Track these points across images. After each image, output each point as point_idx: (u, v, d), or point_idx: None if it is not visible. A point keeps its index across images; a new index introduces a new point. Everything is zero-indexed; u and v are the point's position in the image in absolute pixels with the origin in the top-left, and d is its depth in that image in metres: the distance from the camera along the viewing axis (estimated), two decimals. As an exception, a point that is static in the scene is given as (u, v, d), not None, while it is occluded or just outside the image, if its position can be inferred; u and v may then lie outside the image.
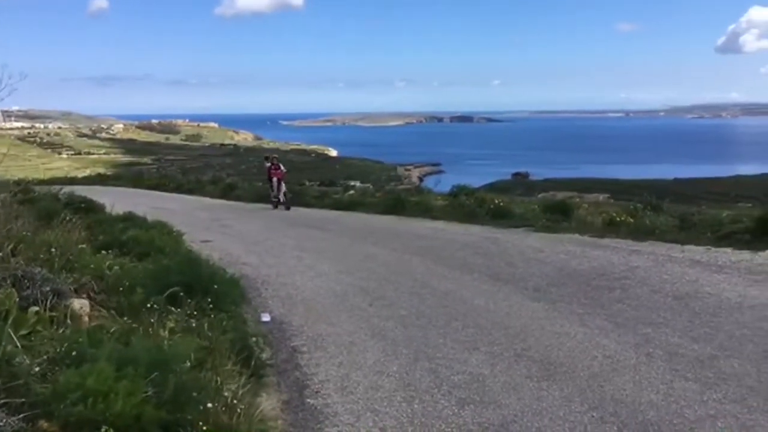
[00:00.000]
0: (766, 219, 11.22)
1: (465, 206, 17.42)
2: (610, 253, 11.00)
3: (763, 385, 5.11)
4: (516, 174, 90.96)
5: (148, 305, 5.89)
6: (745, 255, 10.26)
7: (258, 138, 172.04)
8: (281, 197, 21.46)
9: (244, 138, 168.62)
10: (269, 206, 21.98)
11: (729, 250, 10.72)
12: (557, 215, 15.59)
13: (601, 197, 54.69)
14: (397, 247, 12.55)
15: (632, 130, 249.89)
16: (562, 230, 13.87)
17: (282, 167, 22.34)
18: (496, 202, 17.17)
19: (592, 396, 5.00)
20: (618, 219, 13.95)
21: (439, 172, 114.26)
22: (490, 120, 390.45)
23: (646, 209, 14.97)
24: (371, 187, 34.66)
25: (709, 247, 11.09)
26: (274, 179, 21.71)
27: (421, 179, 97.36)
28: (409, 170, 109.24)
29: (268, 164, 22.54)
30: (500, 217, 16.12)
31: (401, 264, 10.82)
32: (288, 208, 20.83)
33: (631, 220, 13.78)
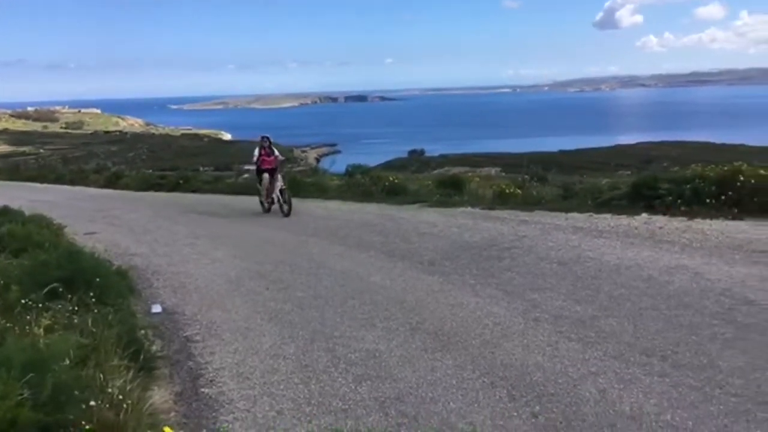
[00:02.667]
0: (640, 185, 11.96)
1: (361, 185, 17.50)
2: (500, 224, 11.37)
3: (639, 340, 5.45)
4: (412, 151, 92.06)
5: (24, 303, 5.53)
6: (623, 220, 10.90)
7: (148, 124, 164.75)
8: (275, 197, 14.53)
9: (131, 124, 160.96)
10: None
11: (608, 215, 11.35)
12: (450, 190, 15.99)
13: (493, 171, 56.50)
14: (294, 229, 12.44)
15: (520, 105, 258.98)
16: (454, 204, 14.22)
17: (277, 153, 15.24)
18: (391, 179, 17.34)
19: (483, 363, 5.16)
20: (507, 191, 14.46)
21: (336, 152, 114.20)
22: (384, 99, 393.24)
23: (532, 181, 15.63)
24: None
25: (590, 213, 11.70)
26: (265, 175, 14.80)
27: (318, 160, 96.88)
28: (305, 152, 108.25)
29: (257, 150, 15.01)
30: (395, 195, 16.31)
31: (298, 246, 10.73)
32: (288, 213, 14.11)
33: (519, 192, 14.33)
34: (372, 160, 63.44)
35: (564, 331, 5.79)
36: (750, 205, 10.48)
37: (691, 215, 10.58)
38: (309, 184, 18.69)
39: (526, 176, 16.86)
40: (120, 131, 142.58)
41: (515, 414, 4.27)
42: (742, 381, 4.52)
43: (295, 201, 14.56)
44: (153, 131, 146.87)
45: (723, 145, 73.72)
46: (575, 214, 11.85)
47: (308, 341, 5.93)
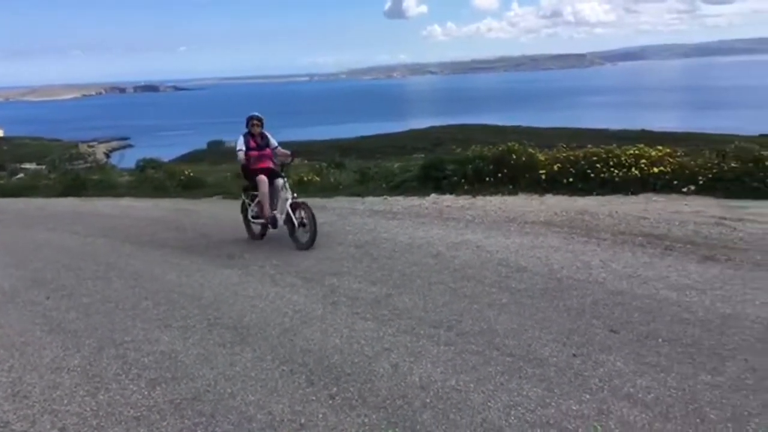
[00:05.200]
0: (428, 167, 12.67)
1: (153, 180, 16.68)
2: (299, 212, 11.44)
3: (428, 314, 5.79)
4: (211, 143, 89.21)
5: None
6: (415, 201, 11.50)
7: None
8: (278, 216, 9.11)
9: None
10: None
11: (401, 198, 11.91)
12: (249, 180, 15.75)
13: (297, 159, 56.60)
14: (79, 230, 11.53)
15: (318, 93, 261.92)
16: (254, 195, 14.03)
17: (274, 142, 9.53)
18: (187, 173, 16.72)
19: (283, 351, 5.17)
20: (306, 178, 14.57)
21: (128, 146, 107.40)
22: (178, 88, 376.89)
23: (330, 167, 15.90)
24: (45, 168, 31.23)
25: (385, 196, 12.20)
26: (260, 179, 9.18)
27: (107, 155, 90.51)
28: (93, 147, 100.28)
29: (242, 139, 9.29)
30: (193, 188, 15.78)
31: (84, 248, 9.97)
32: (311, 243, 8.69)
33: (318, 179, 14.51)
34: (169, 153, 60.63)
35: (360, 312, 5.97)
36: (523, 181, 11.56)
37: (474, 193, 11.43)
38: (95, 182, 17.45)
39: (324, 163, 17.15)
40: None
41: (314, 398, 4.33)
42: (516, 342, 4.98)
43: (78, 201, 13.46)
44: None
45: (504, 126, 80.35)
46: (372, 198, 12.28)
47: (96, 350, 5.53)
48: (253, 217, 9.67)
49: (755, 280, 6.03)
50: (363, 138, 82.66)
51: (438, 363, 4.71)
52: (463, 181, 11.91)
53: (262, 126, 9.38)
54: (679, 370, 4.30)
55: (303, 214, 8.79)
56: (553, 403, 4.01)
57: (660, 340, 4.83)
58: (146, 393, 4.63)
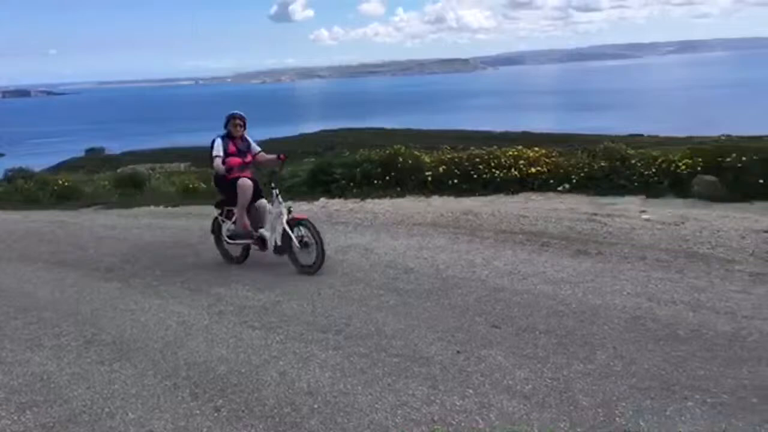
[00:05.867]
0: (317, 171, 12.66)
1: (24, 191, 15.65)
2: (185, 221, 11.12)
3: (317, 319, 5.78)
4: (90, 150, 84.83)
5: None
6: (304, 205, 11.41)
7: None
8: (272, 235, 7.58)
9: None
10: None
11: (290, 203, 11.78)
12: (130, 189, 15.15)
13: (183, 166, 54.81)
14: (-62, 247, 10.62)
15: (204, 98, 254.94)
16: (136, 204, 13.49)
17: (256, 147, 8.10)
18: (61, 182, 15.82)
19: (165, 366, 4.99)
20: (192, 186, 14.17)
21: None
22: (50, 93, 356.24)
23: (217, 174, 15.52)
24: None
25: (273, 202, 12.04)
26: (242, 187, 7.64)
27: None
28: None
29: (219, 143, 7.65)
30: (67, 198, 14.96)
31: (-56, 267, 9.19)
32: (319, 265, 7.15)
33: (204, 186, 14.15)
34: (44, 161, 57.16)
35: (248, 320, 5.87)
36: (410, 183, 11.78)
37: (362, 196, 11.52)
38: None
39: (211, 170, 16.71)
40: None
41: (198, 412, 4.21)
42: (403, 342, 5.07)
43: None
44: None
45: (393, 129, 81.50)
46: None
47: (-43, 376, 5.12)
48: (230, 237, 7.95)
49: (623, 272, 6.44)
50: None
51: (326, 368, 4.71)
52: (351, 184, 11.98)
53: (244, 127, 7.84)
54: (555, 361, 4.52)
55: (303, 231, 7.28)
56: (437, 400, 4.10)
57: (537, 332, 5.06)
58: (15, 418, 4.34)
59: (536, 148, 11.72)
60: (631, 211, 8.78)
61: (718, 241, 7.13)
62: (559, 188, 10.52)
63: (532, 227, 8.47)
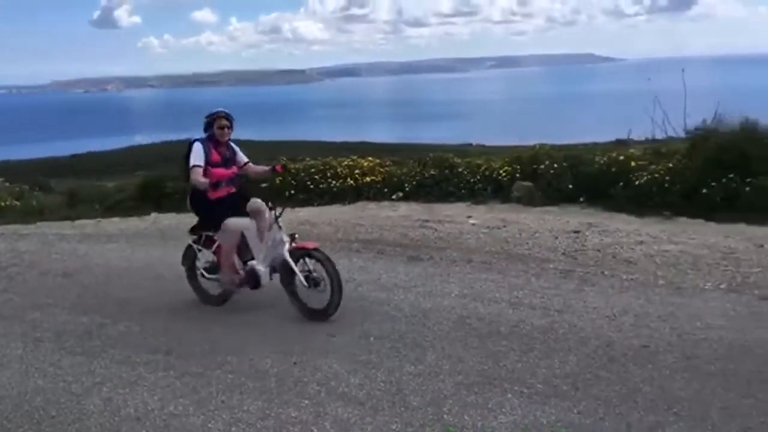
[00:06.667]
0: (147, 185, 12.12)
1: None
2: (-3, 241, 10.12)
3: (146, 340, 5.49)
4: None
5: None
6: (133, 222, 10.91)
7: None
8: (266, 270, 5.95)
9: None
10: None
11: (117, 219, 11.19)
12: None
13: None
14: None
15: (20, 107, 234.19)
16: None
17: (243, 156, 6.29)
18: None
19: (-34, 406, 4.51)
20: (3, 204, 12.97)
21: None
22: None
23: (33, 190, 14.39)
24: None
25: (99, 219, 11.36)
26: (231, 222, 5.95)
27: None
28: None
29: (199, 149, 5.90)
30: None
31: None
32: (333, 307, 5.58)
33: (18, 203, 13.01)
34: None
35: (68, 346, 5.47)
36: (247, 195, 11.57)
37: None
38: None
39: (26, 186, 15.43)
40: None
41: (9, 451, 3.85)
42: (238, 358, 4.96)
43: None
44: None
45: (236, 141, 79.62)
46: (84, 221, 11.36)
47: None
48: (207, 271, 6.33)
49: (452, 275, 6.78)
50: (75, 156, 75.98)
51: (155, 390, 4.50)
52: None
53: (231, 130, 6.14)
54: (388, 365, 4.66)
55: (312, 264, 5.70)
56: (272, 414, 4.07)
57: (372, 338, 5.18)
58: None
59: (370, 158, 12.03)
60: (460, 217, 9.28)
61: (535, 242, 7.74)
62: (393, 197, 10.86)
63: (368, 235, 8.66)
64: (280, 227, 5.82)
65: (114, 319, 6.09)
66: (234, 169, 6.11)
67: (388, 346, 5.01)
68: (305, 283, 5.63)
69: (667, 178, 8.93)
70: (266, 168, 6.46)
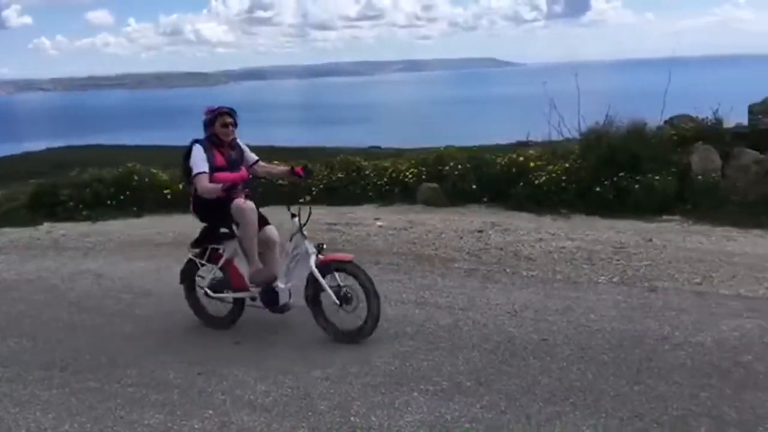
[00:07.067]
0: (40, 194, 11.52)
1: None
2: None
3: (39, 356, 5.22)
4: None
5: None
6: (24, 232, 10.34)
7: None
8: (286, 286, 5.30)
9: None
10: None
11: (7, 229, 10.57)
12: None
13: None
14: None
15: None
16: None
17: (251, 155, 5.68)
18: None
19: None
20: None
21: None
22: None
23: None
24: None
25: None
26: (241, 202, 5.28)
27: None
28: None
29: (198, 150, 5.27)
30: None
31: None
32: (370, 329, 5.00)
33: None
34: None
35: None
36: (148, 203, 11.21)
37: (94, 218, 10.74)
38: None
39: None
40: None
41: None
42: (139, 371, 4.79)
43: None
44: None
45: (134, 146, 76.77)
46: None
47: None
48: (212, 289, 5.59)
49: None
50: (-39, 164, 71.12)
51: (49, 409, 4.27)
52: (81, 206, 11.09)
53: (236, 127, 5.46)
54: (295, 370, 4.62)
55: (343, 279, 5.06)
56: (175, 426, 3.95)
57: (280, 345, 5.12)
58: None
59: (276, 162, 11.89)
60: (367, 219, 9.33)
61: (441, 242, 7.89)
62: (301, 200, 10.77)
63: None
64: (305, 236, 5.24)
65: (2, 334, 5.75)
66: (244, 171, 5.53)
67: (294, 351, 4.96)
68: (336, 300, 4.98)
69: (563, 177, 9.33)
70: (284, 168, 5.88)
